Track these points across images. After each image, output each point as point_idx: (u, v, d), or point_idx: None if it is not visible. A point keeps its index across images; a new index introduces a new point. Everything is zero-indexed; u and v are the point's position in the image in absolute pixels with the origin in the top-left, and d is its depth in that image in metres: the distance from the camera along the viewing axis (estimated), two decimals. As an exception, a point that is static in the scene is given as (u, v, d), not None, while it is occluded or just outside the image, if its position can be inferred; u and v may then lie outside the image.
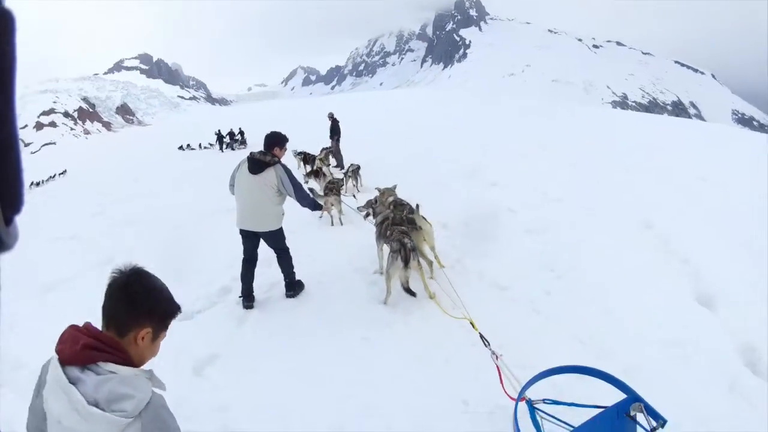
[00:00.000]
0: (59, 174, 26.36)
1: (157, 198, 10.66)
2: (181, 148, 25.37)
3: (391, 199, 5.36)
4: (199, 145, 26.44)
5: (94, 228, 8.71)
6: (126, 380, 1.14)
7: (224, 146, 24.26)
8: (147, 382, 1.19)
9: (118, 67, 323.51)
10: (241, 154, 19.68)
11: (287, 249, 4.56)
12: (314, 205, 4.53)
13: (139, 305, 1.23)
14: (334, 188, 7.27)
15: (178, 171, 15.28)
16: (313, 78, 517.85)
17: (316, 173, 9.62)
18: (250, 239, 4.46)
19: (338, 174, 10.13)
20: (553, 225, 5.90)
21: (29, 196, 21.13)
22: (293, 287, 4.65)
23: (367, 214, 5.44)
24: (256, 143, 21.88)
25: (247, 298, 4.55)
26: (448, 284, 4.32)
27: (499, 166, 9.06)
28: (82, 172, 24.23)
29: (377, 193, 5.67)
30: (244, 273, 4.53)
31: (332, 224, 6.96)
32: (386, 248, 4.47)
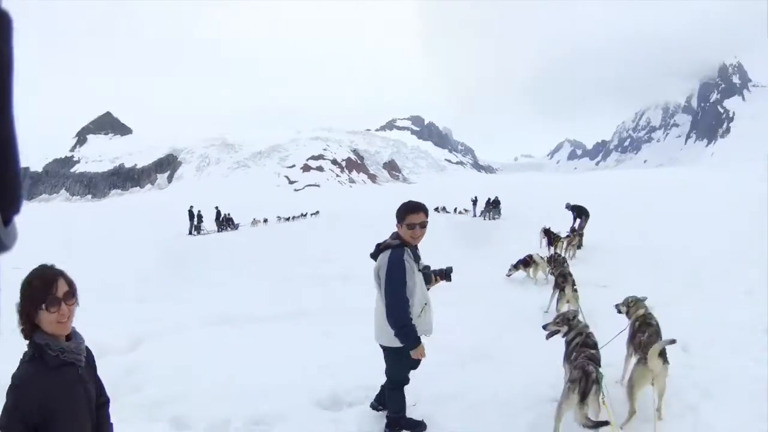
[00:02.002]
0: (311, 214, 33.95)
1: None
2: (437, 210, 27.38)
3: (641, 312, 3.96)
4: (455, 209, 29.42)
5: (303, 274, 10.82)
6: None
7: (481, 213, 25.42)
8: None
9: (390, 125, 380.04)
10: (495, 225, 20.06)
11: (400, 383, 3.36)
12: (406, 334, 3.01)
13: None
14: (570, 277, 5.88)
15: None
16: (579, 152, 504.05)
17: (526, 262, 8.08)
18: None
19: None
20: None
21: (280, 226, 27.11)
22: (393, 428, 3.45)
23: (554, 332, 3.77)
24: (511, 215, 22.30)
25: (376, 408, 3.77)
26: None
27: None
28: (336, 216, 28.85)
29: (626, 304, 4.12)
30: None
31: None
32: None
